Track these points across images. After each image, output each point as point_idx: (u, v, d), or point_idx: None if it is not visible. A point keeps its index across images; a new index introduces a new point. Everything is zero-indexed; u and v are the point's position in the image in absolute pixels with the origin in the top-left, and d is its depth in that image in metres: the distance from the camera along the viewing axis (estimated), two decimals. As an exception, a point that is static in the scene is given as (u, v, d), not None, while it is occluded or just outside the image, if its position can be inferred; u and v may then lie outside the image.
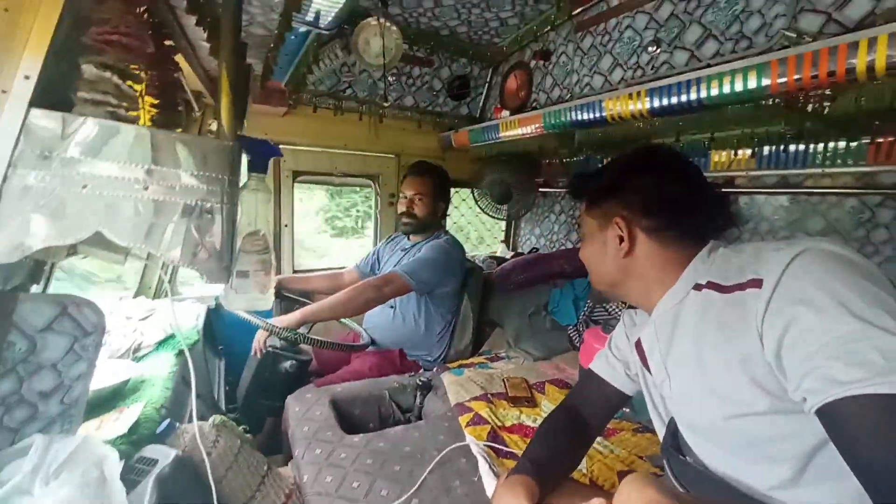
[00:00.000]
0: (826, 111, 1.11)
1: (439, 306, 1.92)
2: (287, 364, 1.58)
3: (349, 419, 1.45)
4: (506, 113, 2.08)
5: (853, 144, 1.37)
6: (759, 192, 1.70)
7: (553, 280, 2.33)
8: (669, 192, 0.71)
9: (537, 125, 1.85)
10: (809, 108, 1.17)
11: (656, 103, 1.32)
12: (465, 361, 1.93)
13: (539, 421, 1.39)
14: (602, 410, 0.91)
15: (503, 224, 3.13)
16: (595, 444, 1.25)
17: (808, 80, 0.96)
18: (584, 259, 0.83)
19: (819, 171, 1.49)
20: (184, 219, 0.55)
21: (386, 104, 2.13)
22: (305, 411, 1.39)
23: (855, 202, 1.46)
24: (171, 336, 1.46)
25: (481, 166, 2.64)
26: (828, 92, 1.02)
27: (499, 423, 1.35)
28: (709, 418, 0.64)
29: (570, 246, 2.62)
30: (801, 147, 1.50)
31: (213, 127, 1.46)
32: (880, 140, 1.35)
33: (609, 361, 0.90)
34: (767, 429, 0.57)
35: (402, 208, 1.93)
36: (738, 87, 1.10)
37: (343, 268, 2.19)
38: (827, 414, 0.46)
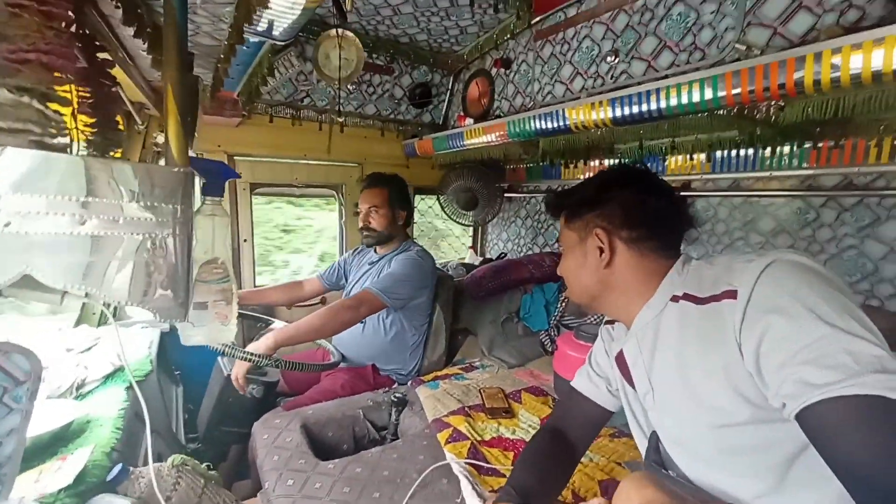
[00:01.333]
0: (775, 119, 1.17)
1: (412, 318, 1.88)
2: (252, 388, 1.49)
3: (322, 443, 1.39)
4: (470, 121, 2.08)
5: (797, 149, 1.47)
6: (714, 195, 1.78)
7: (523, 285, 2.35)
8: (648, 203, 0.73)
9: (501, 133, 1.85)
10: (760, 115, 1.23)
11: (618, 112, 1.35)
12: (439, 373, 1.90)
13: (518, 432, 1.39)
14: (586, 429, 0.90)
15: (471, 230, 3.13)
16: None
17: (760, 92, 1.01)
18: (565, 273, 0.83)
19: (767, 174, 1.59)
20: (130, 254, 0.49)
21: (340, 119, 2.08)
22: (275, 438, 1.31)
23: (801, 203, 1.55)
24: (121, 368, 1.34)
25: (446, 173, 2.63)
26: (780, 102, 1.07)
27: (478, 438, 1.33)
28: (693, 429, 0.65)
29: (537, 250, 2.66)
30: (752, 152, 1.59)
31: (160, 140, 1.36)
32: (820, 145, 1.44)
33: (591, 378, 0.89)
34: (750, 438, 0.58)
35: (360, 222, 1.88)
36: (696, 97, 1.14)
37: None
38: (805, 418, 0.48)
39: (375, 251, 1.96)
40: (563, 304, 2.17)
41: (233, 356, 1.30)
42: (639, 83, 1.32)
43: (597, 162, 2.21)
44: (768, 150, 1.51)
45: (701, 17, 1.23)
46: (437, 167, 2.71)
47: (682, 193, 1.83)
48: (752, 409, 0.56)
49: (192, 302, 0.63)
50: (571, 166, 2.34)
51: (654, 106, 1.25)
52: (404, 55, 2.13)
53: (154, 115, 1.40)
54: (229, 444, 1.58)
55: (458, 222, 2.78)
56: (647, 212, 0.73)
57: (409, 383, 1.80)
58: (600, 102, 1.39)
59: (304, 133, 2.14)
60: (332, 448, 1.40)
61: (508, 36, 1.92)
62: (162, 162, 0.58)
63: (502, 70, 1.97)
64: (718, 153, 1.70)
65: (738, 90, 1.06)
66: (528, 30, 1.83)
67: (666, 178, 1.88)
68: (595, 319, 1.91)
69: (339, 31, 1.41)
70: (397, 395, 1.58)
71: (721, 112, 1.22)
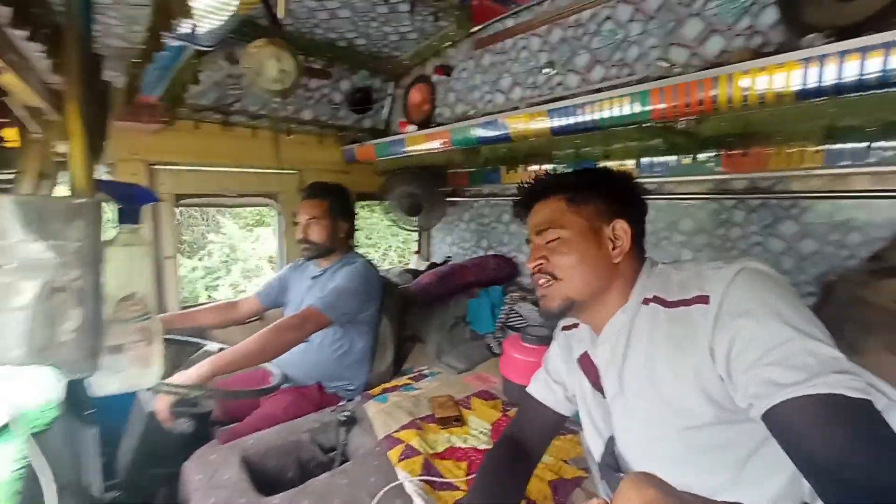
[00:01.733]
0: (694, 131, 1.27)
1: (359, 331, 1.82)
2: (182, 422, 1.35)
3: (265, 476, 1.30)
4: (412, 127, 2.06)
5: (713, 156, 1.61)
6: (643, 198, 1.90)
7: (469, 289, 2.37)
8: (644, 201, 0.76)
9: (445, 141, 1.85)
10: (681, 127, 1.33)
11: (556, 123, 1.40)
12: (388, 385, 1.85)
13: (469, 440, 1.39)
14: (542, 436, 0.91)
15: (416, 235, 3.11)
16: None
17: (682, 107, 1.09)
18: (565, 263, 0.72)
19: (687, 178, 1.72)
20: (24, 304, 0.42)
21: (288, 134, 1.97)
22: (210, 476, 1.21)
23: (716, 205, 1.70)
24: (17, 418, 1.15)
25: (389, 178, 2.58)
26: (697, 117, 1.16)
27: (430, 451, 1.31)
28: (661, 430, 0.66)
29: (481, 252, 2.69)
30: (674, 159, 1.72)
31: (61, 149, 1.19)
32: (732, 152, 1.59)
33: (547, 385, 0.90)
34: (713, 438, 0.61)
35: (298, 234, 1.79)
36: (626, 111, 1.21)
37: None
38: (772, 417, 0.50)
39: (318, 265, 1.88)
40: (509, 305, 2.23)
41: (157, 391, 1.17)
42: (573, 95, 1.37)
43: (536, 167, 2.28)
44: (689, 157, 1.64)
45: (629, 34, 1.31)
46: (378, 173, 2.65)
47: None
48: (718, 411, 0.59)
49: (105, 347, 0.55)
50: (511, 171, 2.39)
51: (588, 118, 1.31)
52: (343, 59, 2.06)
53: (55, 121, 1.23)
54: (156, 489, 1.42)
55: (403, 228, 2.75)
56: (644, 209, 0.75)
57: (357, 399, 1.74)
58: (539, 113, 1.43)
59: (236, 139, 2.00)
60: (276, 479, 1.32)
61: (449, 43, 1.92)
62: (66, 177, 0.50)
63: (444, 77, 1.97)
64: (645, 160, 1.82)
65: (663, 105, 1.13)
66: (468, 38, 1.85)
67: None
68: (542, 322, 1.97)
69: (274, 39, 1.32)
70: (345, 413, 1.52)
71: (648, 124, 1.30)
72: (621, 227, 0.72)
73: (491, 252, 2.63)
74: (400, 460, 1.25)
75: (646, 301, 0.69)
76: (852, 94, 0.90)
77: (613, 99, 1.23)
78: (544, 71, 1.54)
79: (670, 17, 1.21)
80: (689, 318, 0.61)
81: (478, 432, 1.44)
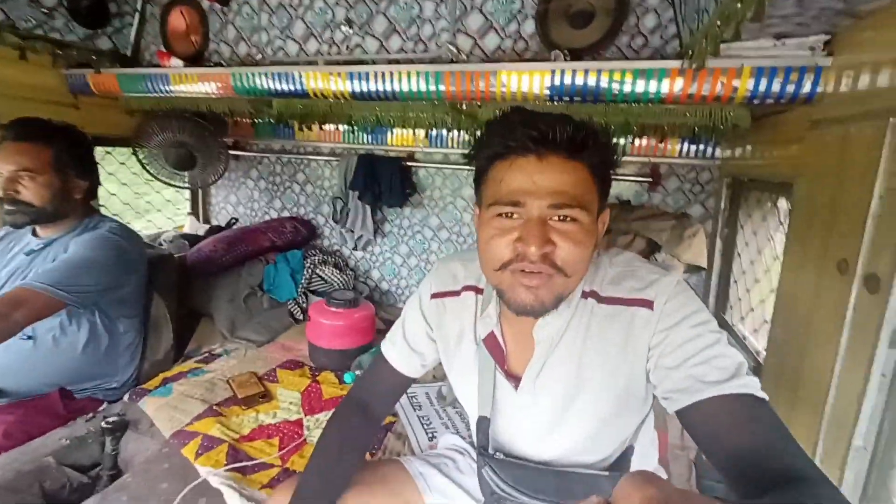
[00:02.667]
0: (475, 113, 1.47)
1: (117, 315, 1.45)
2: None
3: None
4: (177, 62, 1.66)
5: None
6: (431, 166, 2.10)
7: (264, 255, 2.18)
8: None
9: (225, 85, 1.58)
10: (466, 108, 1.51)
11: (356, 87, 1.38)
12: (169, 374, 1.58)
13: (279, 415, 1.36)
14: (390, 397, 0.89)
15: (188, 193, 2.60)
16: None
17: (468, 92, 1.24)
18: (579, 256, 0.59)
19: (466, 151, 1.98)
20: None
21: None
22: None
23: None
24: None
25: (145, 122, 2.04)
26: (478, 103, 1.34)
27: (235, 436, 1.23)
28: (574, 417, 0.68)
29: (275, 215, 2.49)
30: (456, 133, 1.94)
31: None
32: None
33: (403, 351, 0.84)
34: (616, 427, 0.69)
35: None
36: (423, 87, 1.29)
37: None
38: (692, 411, 0.55)
39: (35, 234, 1.38)
40: (310, 270, 2.17)
41: None
42: (373, 61, 1.37)
43: (332, 126, 2.20)
44: (470, 135, 1.89)
45: (423, 11, 1.37)
46: (126, 112, 2.06)
47: (408, 163, 2.08)
48: (625, 405, 0.65)
49: None
50: (305, 128, 2.24)
51: (388, 87, 1.34)
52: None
53: None
54: None
55: (168, 184, 2.25)
56: None
57: (126, 398, 1.44)
58: (339, 74, 1.38)
59: None
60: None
61: (222, -37, 1.60)
62: None
63: (218, 6, 1.64)
64: (434, 131, 2.00)
65: (453, 88, 1.26)
66: (248, -35, 1.58)
67: (393, 149, 2.10)
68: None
69: None
70: (109, 419, 1.24)
71: (438, 103, 1.43)
72: (604, 218, 0.65)
73: (286, 214, 2.46)
74: (198, 456, 1.12)
75: (584, 294, 0.67)
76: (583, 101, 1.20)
77: (411, 73, 1.29)
78: (343, 28, 1.47)
79: (459, 6, 1.33)
80: (629, 319, 0.63)
81: (287, 404, 1.41)
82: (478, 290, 0.76)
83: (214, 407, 1.35)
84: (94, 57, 1.75)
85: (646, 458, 0.78)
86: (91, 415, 1.34)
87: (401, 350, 0.83)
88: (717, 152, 1.62)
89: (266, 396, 1.44)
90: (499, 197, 0.59)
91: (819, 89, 0.93)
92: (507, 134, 0.58)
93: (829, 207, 0.85)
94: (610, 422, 0.67)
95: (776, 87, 0.96)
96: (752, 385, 0.53)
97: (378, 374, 0.87)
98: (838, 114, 0.87)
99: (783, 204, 1.24)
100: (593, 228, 0.60)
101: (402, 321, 0.85)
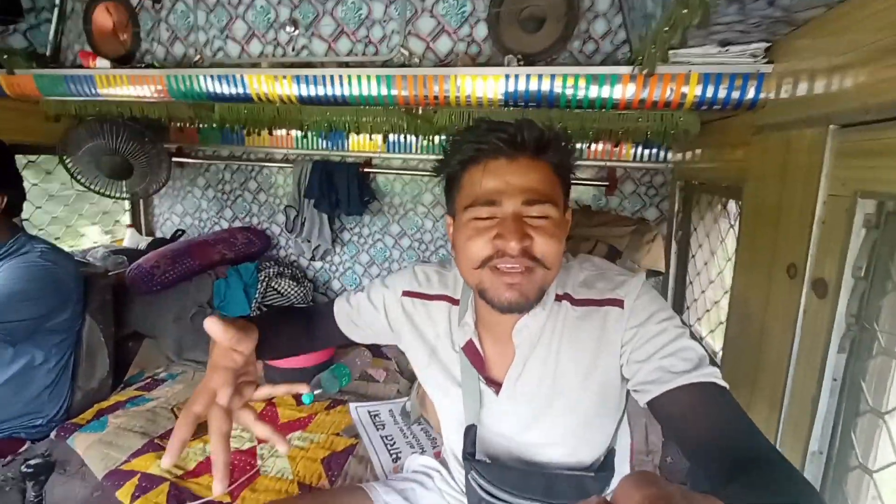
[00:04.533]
0: (430, 117, 1.42)
1: (45, 344, 1.31)
2: None
3: None
4: (104, 62, 1.52)
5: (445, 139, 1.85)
6: (391, 173, 2.04)
7: (212, 269, 2.04)
8: None
9: (160, 88, 1.45)
10: (420, 112, 1.46)
11: (304, 91, 1.30)
12: (104, 405, 1.45)
13: (232, 442, 1.26)
14: (330, 340, 0.87)
15: (127, 204, 2.41)
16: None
17: (421, 97, 1.19)
18: (555, 249, 0.62)
19: (425, 157, 1.94)
20: None
21: None
22: None
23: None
24: None
25: (73, 128, 1.87)
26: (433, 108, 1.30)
27: (179, 472, 1.12)
28: (555, 420, 0.70)
29: (225, 226, 2.35)
30: (414, 139, 1.89)
31: None
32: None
33: (350, 320, 0.83)
34: (596, 427, 0.70)
35: None
36: (374, 91, 1.23)
37: None
38: (663, 400, 0.57)
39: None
40: (265, 283, 2.05)
41: None
42: (322, 64, 1.30)
43: (283, 131, 2.10)
44: (425, 139, 1.84)
45: (372, 12, 1.31)
46: (46, 118, 1.87)
47: (366, 169, 2.01)
48: (604, 402, 0.67)
49: None
50: (255, 133, 2.13)
51: (338, 92, 1.27)
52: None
53: None
54: None
55: (103, 195, 2.07)
56: None
57: (53, 436, 1.29)
58: (284, 76, 1.30)
59: None
60: None
61: (151, -43, 1.47)
62: None
63: (149, 3, 1.51)
64: (392, 137, 1.94)
65: (406, 92, 1.21)
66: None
67: (351, 154, 2.03)
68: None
69: None
70: (31, 462, 1.11)
71: (392, 108, 1.38)
72: (569, 216, 0.68)
73: (238, 224, 2.32)
74: (135, 499, 1.02)
75: (558, 297, 0.69)
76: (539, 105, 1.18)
77: (361, 77, 1.23)
78: (287, 29, 1.39)
79: (409, 8, 1.28)
80: (601, 318, 0.66)
81: (239, 431, 1.31)
82: (452, 301, 0.77)
83: (156, 441, 1.24)
84: (5, 56, 1.57)
85: (625, 463, 0.80)
86: (10, 458, 1.20)
87: (347, 314, 0.83)
88: (670, 156, 1.66)
89: (215, 424, 1.33)
90: (475, 198, 0.62)
91: (762, 95, 0.95)
92: (477, 140, 0.62)
93: (776, 211, 0.86)
94: (591, 422, 0.69)
95: (722, 93, 0.98)
96: (715, 374, 0.57)
97: (325, 314, 0.85)
98: (781, 119, 0.89)
99: (733, 207, 1.27)
100: (563, 223, 0.65)
101: (365, 297, 0.83)
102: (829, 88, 0.72)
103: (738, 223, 1.11)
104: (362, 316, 0.82)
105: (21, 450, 1.25)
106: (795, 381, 0.76)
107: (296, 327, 0.82)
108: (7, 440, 1.27)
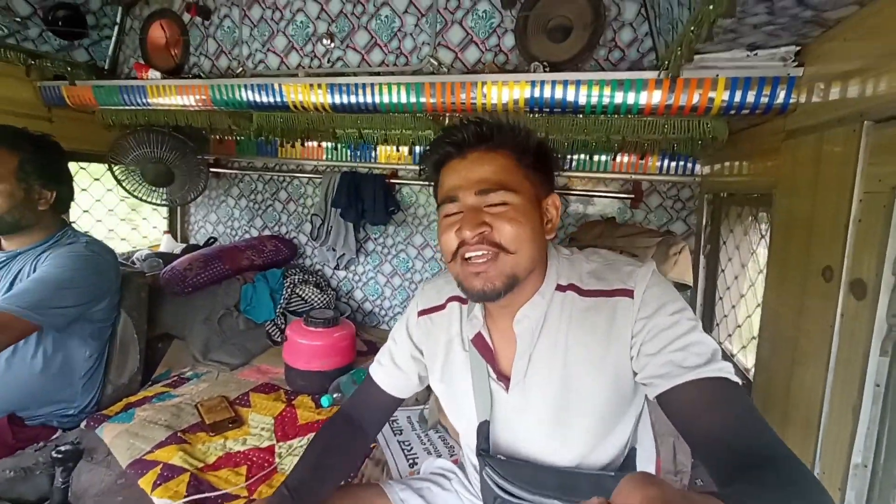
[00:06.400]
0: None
1: (83, 336, 1.37)
2: None
3: None
4: (155, 74, 1.64)
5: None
6: (415, 184, 2.08)
7: (242, 274, 2.11)
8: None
9: (204, 97, 1.55)
10: (448, 121, 1.50)
11: (337, 99, 1.36)
12: (132, 399, 1.49)
13: (249, 441, 1.27)
14: (379, 416, 0.88)
15: (165, 211, 2.54)
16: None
17: (448, 104, 1.23)
18: (520, 233, 0.63)
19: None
20: None
21: None
22: None
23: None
24: None
25: (122, 136, 2.00)
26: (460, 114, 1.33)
27: (199, 465, 1.14)
28: (566, 414, 0.67)
29: (255, 234, 2.43)
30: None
31: None
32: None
33: (391, 371, 0.85)
34: (605, 421, 0.67)
35: None
36: (404, 98, 1.28)
37: None
38: (672, 395, 0.56)
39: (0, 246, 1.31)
40: (289, 289, 2.10)
41: None
42: (355, 73, 1.36)
43: (315, 143, 2.18)
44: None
45: (404, 25, 1.38)
46: (103, 127, 2.02)
47: (392, 180, 2.06)
48: (619, 396, 0.65)
49: None
50: (288, 145, 2.23)
51: (369, 100, 1.33)
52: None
53: None
54: None
55: (145, 201, 2.19)
56: None
57: (83, 425, 1.34)
58: (319, 85, 1.37)
59: None
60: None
61: (204, -21, 1.60)
62: None
63: (199, 20, 1.63)
64: (418, 148, 1.99)
65: (434, 100, 1.25)
66: (230, -19, 1.58)
67: (378, 166, 2.09)
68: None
69: None
70: (62, 448, 1.14)
71: (420, 115, 1.42)
72: (553, 202, 0.69)
73: (267, 232, 2.41)
74: (156, 487, 1.03)
75: (561, 288, 0.68)
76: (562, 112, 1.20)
77: (392, 85, 1.28)
78: (324, 42, 1.47)
79: (439, 20, 1.34)
80: (612, 308, 0.64)
81: (259, 430, 1.32)
82: (462, 300, 0.78)
83: (179, 434, 1.26)
84: (69, 69, 1.72)
85: (649, 463, 0.77)
86: (42, 444, 1.24)
87: (388, 370, 0.85)
88: (697, 168, 1.64)
89: (236, 422, 1.35)
90: (442, 198, 0.68)
91: (792, 100, 0.94)
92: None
93: (809, 216, 0.84)
94: (608, 419, 0.67)
95: (751, 97, 0.97)
96: (726, 370, 0.55)
97: (366, 392, 0.87)
98: (812, 122, 0.87)
99: (763, 217, 1.24)
100: (530, 209, 0.65)
101: (390, 342, 0.87)
102: (863, 86, 0.71)
103: (769, 233, 1.08)
104: (400, 352, 0.84)
105: (52, 437, 1.30)
106: (834, 390, 0.72)
107: (332, 456, 0.79)
108: (41, 427, 1.32)
